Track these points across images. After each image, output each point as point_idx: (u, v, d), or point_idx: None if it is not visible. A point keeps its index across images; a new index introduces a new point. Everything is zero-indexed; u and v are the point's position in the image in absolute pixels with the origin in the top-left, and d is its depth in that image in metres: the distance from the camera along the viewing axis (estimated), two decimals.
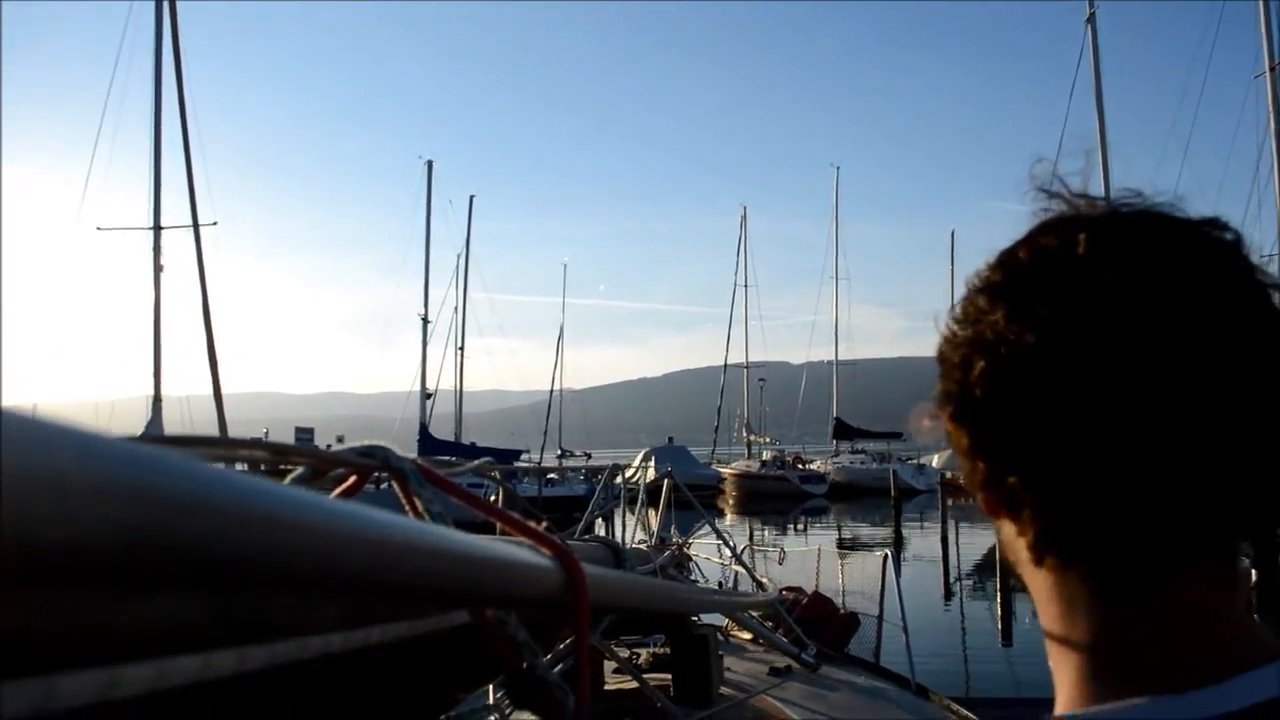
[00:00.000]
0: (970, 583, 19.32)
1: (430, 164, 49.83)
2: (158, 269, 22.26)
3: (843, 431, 56.65)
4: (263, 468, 0.89)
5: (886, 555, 9.13)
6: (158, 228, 22.25)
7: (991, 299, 0.64)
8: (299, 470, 0.78)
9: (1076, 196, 0.66)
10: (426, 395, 46.30)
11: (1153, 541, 0.59)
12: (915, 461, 48.57)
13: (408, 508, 0.84)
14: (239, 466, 0.75)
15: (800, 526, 35.15)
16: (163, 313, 22.43)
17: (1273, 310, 0.60)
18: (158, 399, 22.31)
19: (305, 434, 46.36)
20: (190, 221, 21.07)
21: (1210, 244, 0.62)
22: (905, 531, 29.65)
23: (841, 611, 8.05)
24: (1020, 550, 0.65)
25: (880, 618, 8.93)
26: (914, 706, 5.64)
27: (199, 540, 0.35)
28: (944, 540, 22.53)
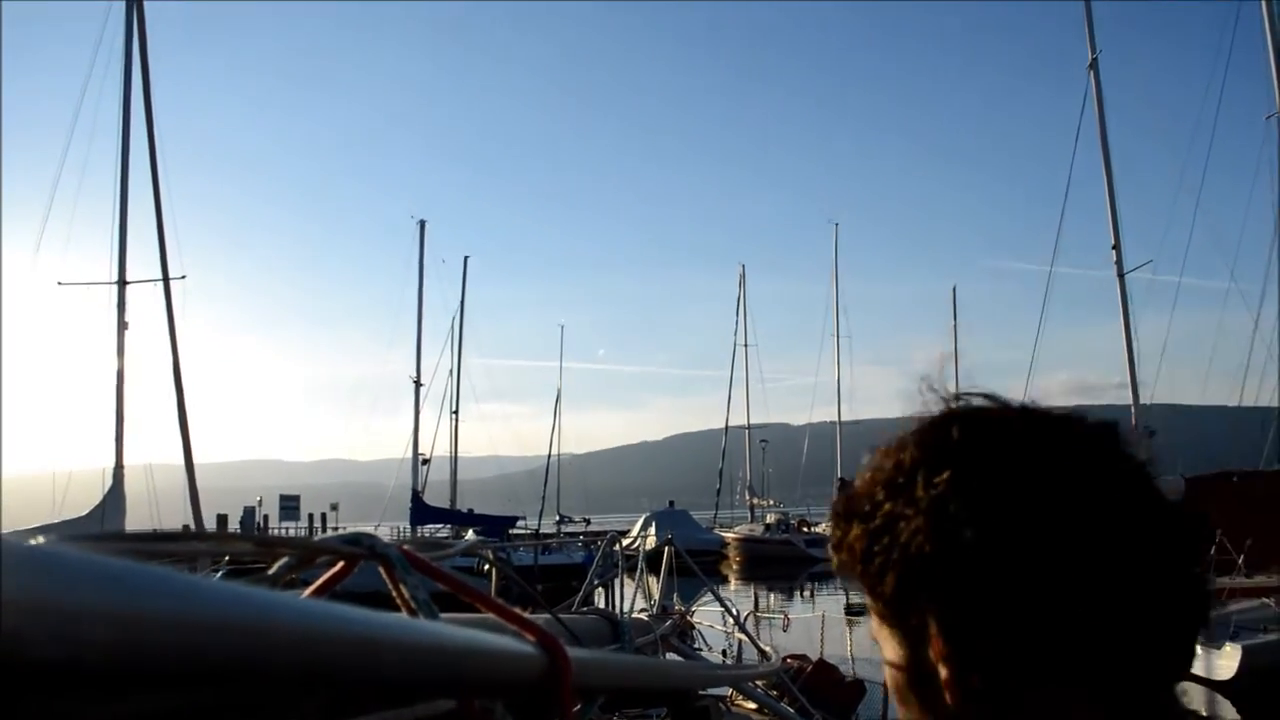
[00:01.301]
0: None
1: (423, 224, 49.39)
2: (122, 326, 20.40)
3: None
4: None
5: None
6: (123, 282, 20.56)
7: (886, 491, 0.76)
8: (285, 560, 0.79)
9: (954, 396, 0.77)
10: (423, 461, 45.19)
11: (1027, 660, 0.68)
12: None
13: (394, 595, 0.85)
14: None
15: (807, 592, 34.12)
16: (127, 375, 20.54)
17: (1129, 485, 0.71)
18: (119, 468, 20.21)
19: (290, 501, 45.53)
20: (160, 275, 19.43)
21: (1073, 434, 0.72)
22: None
23: (847, 679, 7.92)
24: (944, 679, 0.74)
25: (886, 684, 8.78)
26: None
27: (178, 653, 0.36)
28: None
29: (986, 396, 0.76)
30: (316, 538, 0.87)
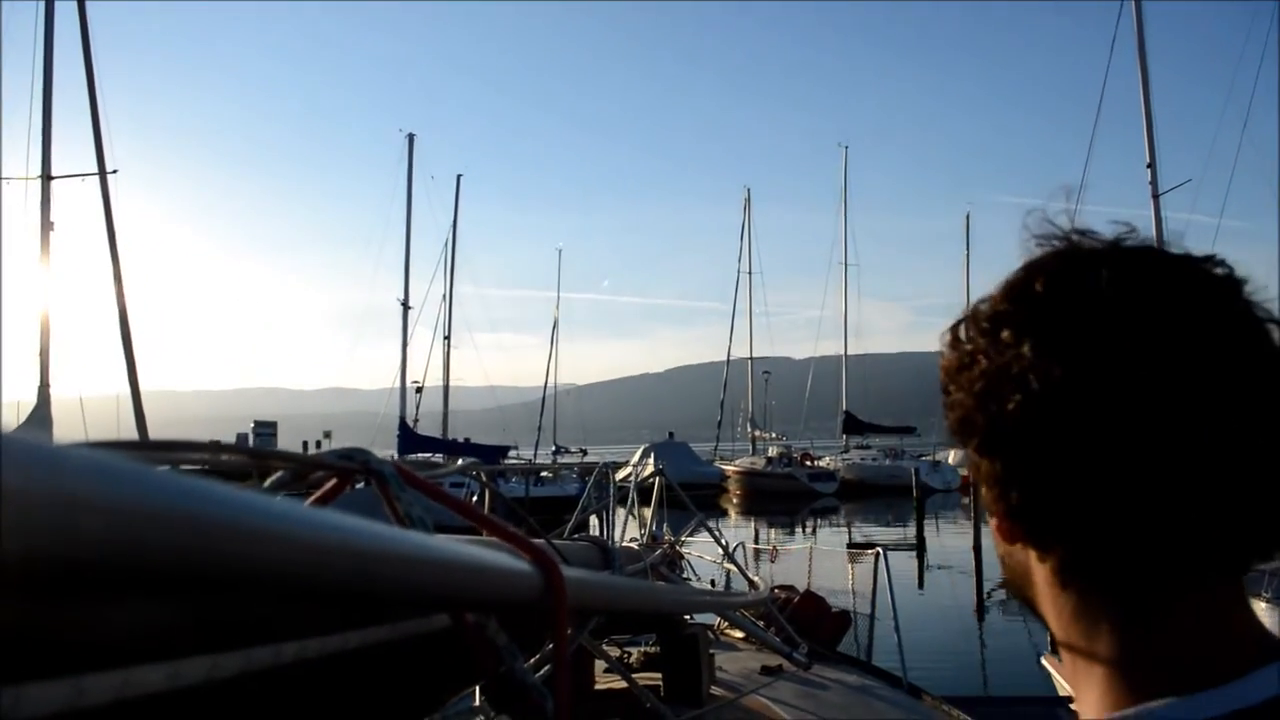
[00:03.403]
0: (1004, 595, 16.46)
1: (411, 137, 46.22)
2: (46, 226, 17.94)
3: (853, 426, 53.71)
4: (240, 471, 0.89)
5: (879, 552, 9.14)
6: (47, 177, 18.04)
7: (1015, 332, 0.66)
8: (278, 474, 0.78)
9: (1076, 233, 0.69)
10: (416, 389, 44.06)
11: (1172, 564, 0.63)
12: (930, 458, 45.80)
13: (388, 511, 0.84)
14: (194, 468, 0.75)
15: (809, 528, 32.78)
16: (57, 291, 18.00)
17: (1271, 343, 0.64)
18: (44, 388, 17.51)
19: (266, 428, 43.34)
20: (95, 169, 17.00)
21: (1217, 279, 0.66)
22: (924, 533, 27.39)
23: (834, 610, 8.07)
24: (1038, 575, 0.69)
25: (872, 616, 8.96)
26: (906, 705, 5.65)
27: (171, 552, 0.35)
28: (976, 548, 19.89)
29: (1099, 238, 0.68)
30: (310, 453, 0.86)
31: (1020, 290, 0.68)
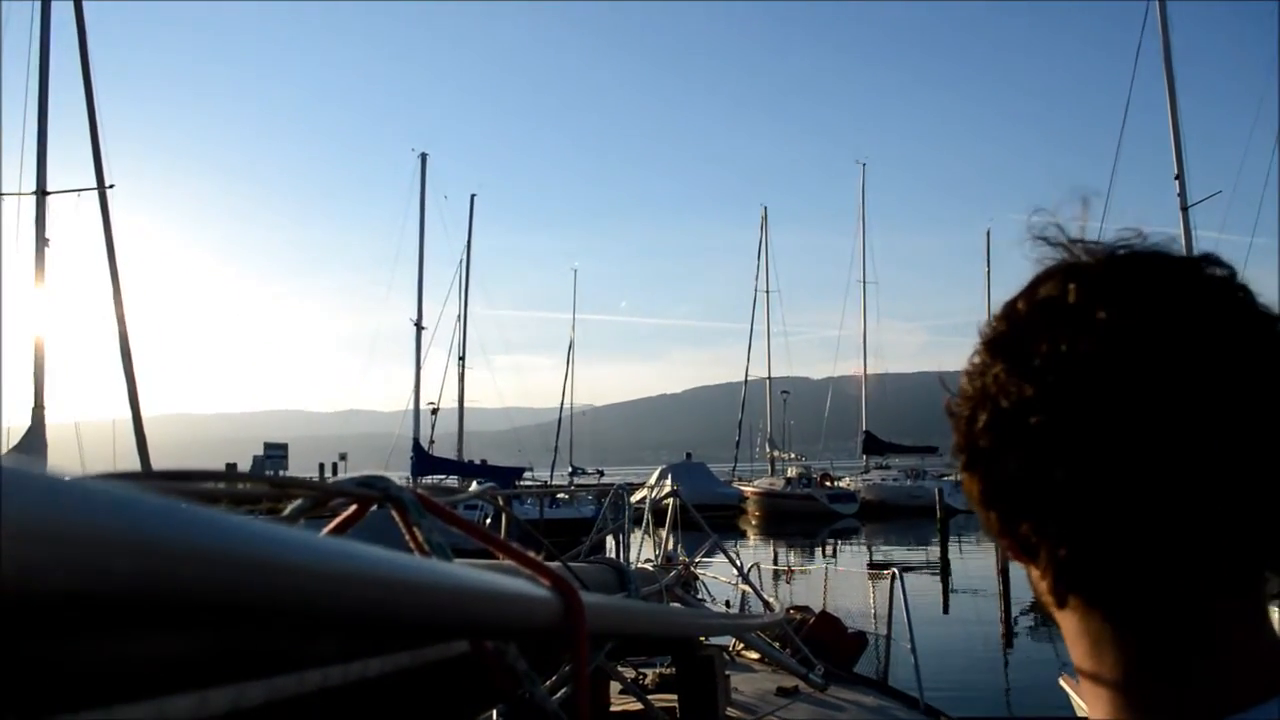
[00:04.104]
0: (1032, 620, 16.40)
1: (424, 157, 46.38)
2: (42, 242, 17.27)
3: (873, 446, 52.65)
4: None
5: (894, 573, 9.08)
6: (43, 192, 17.41)
7: (991, 353, 0.66)
8: (299, 502, 0.79)
9: (1074, 243, 0.68)
10: (432, 410, 43.38)
11: (1169, 579, 0.60)
12: (952, 478, 43.05)
13: (408, 538, 0.84)
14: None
15: (829, 549, 31.95)
16: (52, 321, 17.25)
17: (1272, 341, 0.61)
18: (39, 409, 16.68)
19: (276, 449, 41.97)
20: (94, 184, 16.46)
21: (1205, 281, 0.63)
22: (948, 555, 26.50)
23: (849, 631, 8.01)
24: (1044, 592, 0.67)
25: (888, 637, 8.88)
26: None
27: (195, 587, 0.35)
28: (1003, 570, 19.50)
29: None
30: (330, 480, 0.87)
31: (1006, 309, 0.68)
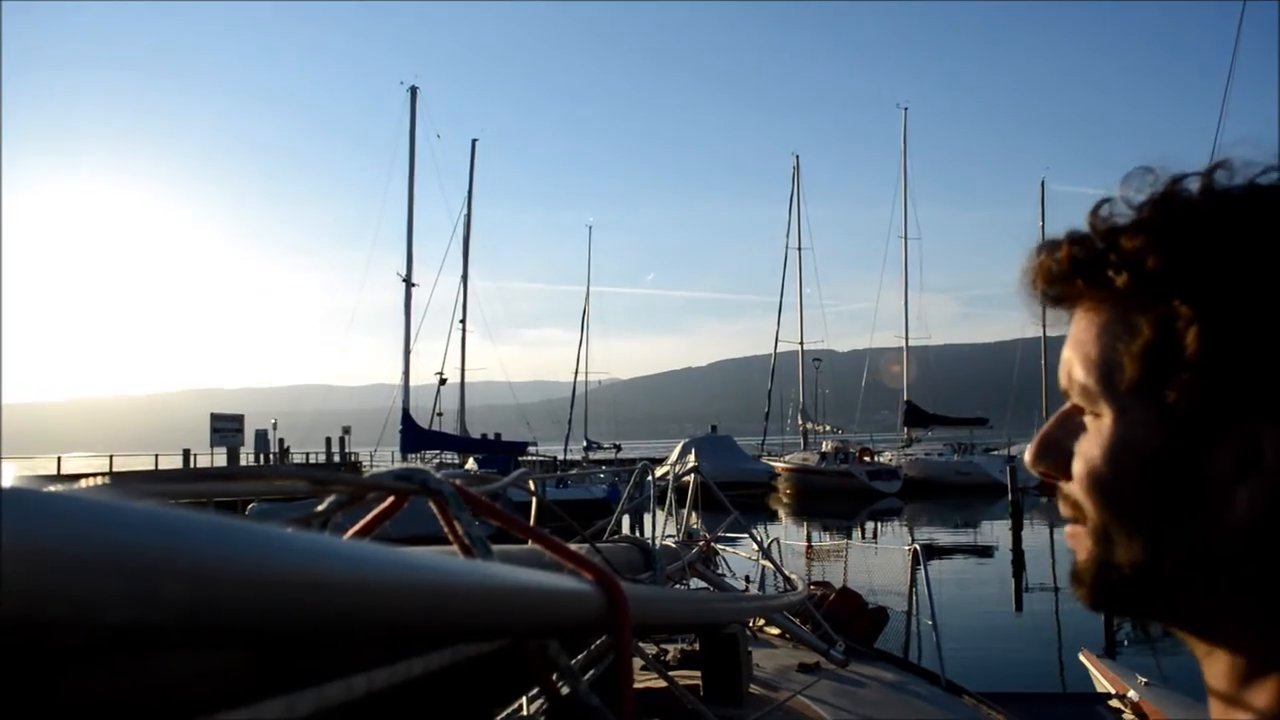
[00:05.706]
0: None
1: (414, 90, 38.95)
2: None
3: (916, 418, 47.47)
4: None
5: (915, 549, 9.06)
6: None
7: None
8: (334, 496, 0.78)
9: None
10: (440, 381, 39.51)
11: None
12: (1003, 452, 40.26)
13: (448, 532, 0.83)
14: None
15: (869, 532, 28.00)
16: None
17: None
18: None
19: (229, 421, 36.26)
20: None
21: None
22: (999, 539, 22.94)
23: (870, 606, 8.02)
24: None
25: (909, 613, 8.89)
26: (944, 703, 5.60)
27: (250, 610, 0.34)
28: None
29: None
30: (367, 474, 0.85)
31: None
